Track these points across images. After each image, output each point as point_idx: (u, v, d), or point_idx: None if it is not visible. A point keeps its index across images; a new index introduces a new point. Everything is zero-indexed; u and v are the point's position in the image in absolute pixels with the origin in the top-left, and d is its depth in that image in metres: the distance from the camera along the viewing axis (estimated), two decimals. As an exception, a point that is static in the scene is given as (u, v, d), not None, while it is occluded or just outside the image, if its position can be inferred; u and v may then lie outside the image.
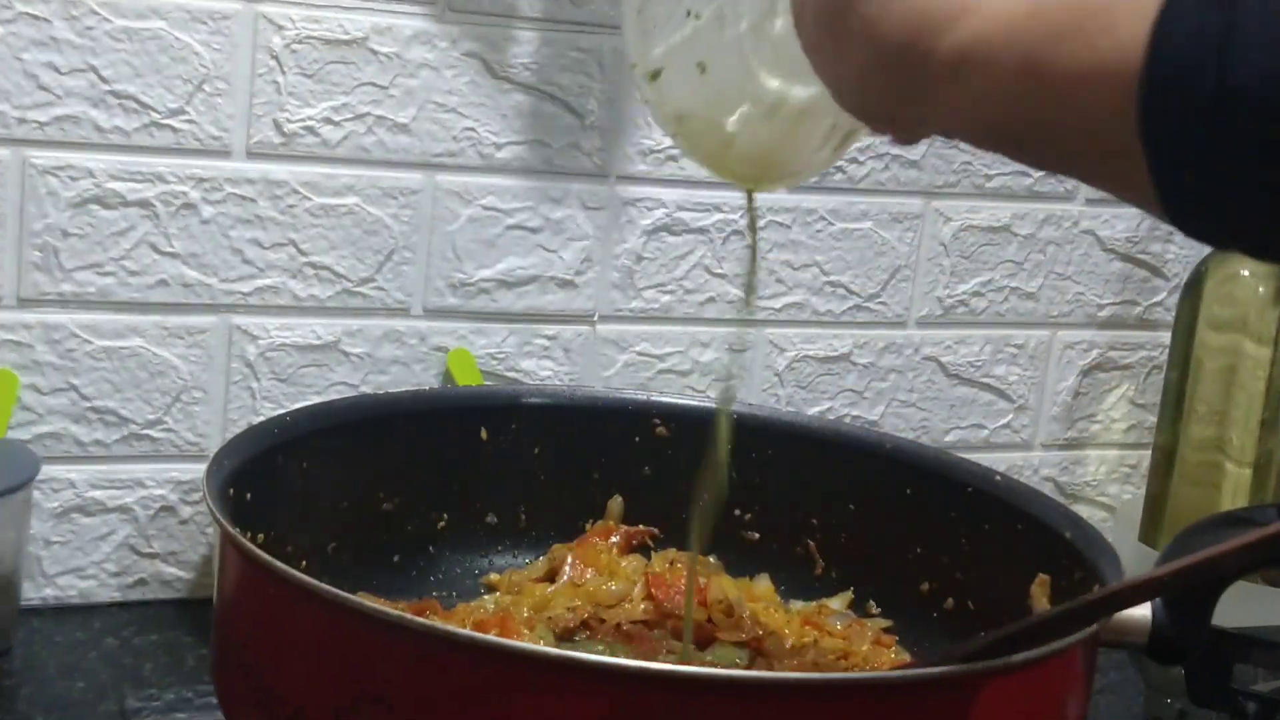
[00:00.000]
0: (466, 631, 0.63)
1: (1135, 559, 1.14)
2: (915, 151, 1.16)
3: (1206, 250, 1.16)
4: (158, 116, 0.97)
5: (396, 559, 0.93)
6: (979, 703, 0.64)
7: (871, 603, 0.93)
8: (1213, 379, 1.16)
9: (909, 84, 0.58)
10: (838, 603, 0.94)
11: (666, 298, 1.12)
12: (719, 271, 1.13)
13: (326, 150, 1.01)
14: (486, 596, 0.93)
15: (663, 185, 1.10)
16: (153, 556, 1.03)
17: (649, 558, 0.96)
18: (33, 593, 1.00)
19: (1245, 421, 1.15)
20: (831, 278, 1.16)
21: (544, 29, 1.05)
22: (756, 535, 0.97)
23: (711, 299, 1.13)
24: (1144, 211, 0.54)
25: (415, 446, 0.93)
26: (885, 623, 0.92)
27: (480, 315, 1.08)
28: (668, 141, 1.09)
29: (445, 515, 0.95)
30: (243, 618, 0.71)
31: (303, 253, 1.02)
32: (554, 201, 1.08)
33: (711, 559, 0.96)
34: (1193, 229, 0.51)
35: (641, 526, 0.97)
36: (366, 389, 1.05)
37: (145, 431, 1.01)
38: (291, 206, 1.01)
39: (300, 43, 0.99)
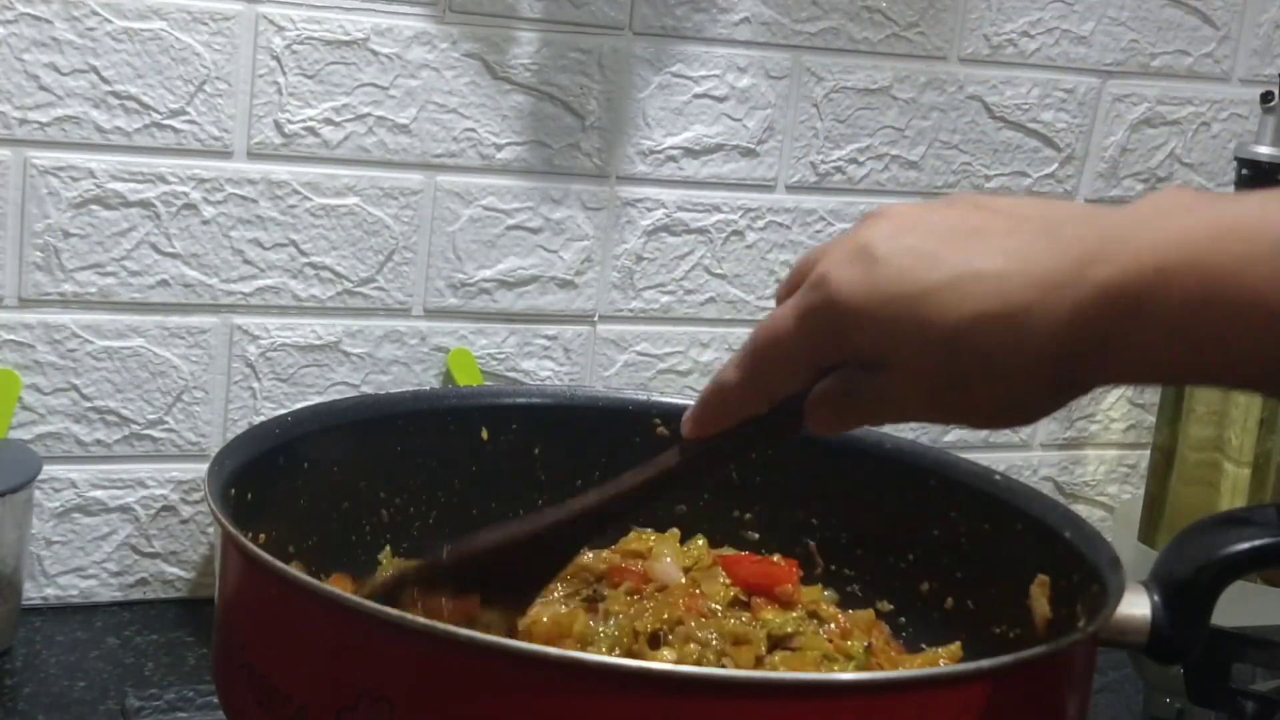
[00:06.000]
0: (467, 631, 0.62)
1: (1134, 559, 1.14)
2: (915, 152, 1.17)
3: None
4: (159, 117, 0.97)
5: (397, 559, 0.93)
6: (979, 703, 0.64)
7: (879, 601, 0.93)
8: (1212, 379, 1.16)
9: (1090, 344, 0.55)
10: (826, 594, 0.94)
11: (666, 298, 1.12)
12: (719, 271, 1.13)
13: (327, 151, 1.01)
14: None
15: (663, 185, 1.10)
16: (154, 556, 1.03)
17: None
18: (34, 592, 1.01)
19: (1244, 421, 1.16)
20: (831, 278, 1.16)
21: (544, 30, 1.05)
22: (756, 535, 0.97)
23: (711, 299, 1.13)
24: None
25: (415, 446, 0.93)
26: (868, 611, 0.92)
27: (480, 315, 1.08)
28: (668, 141, 1.10)
29: (445, 515, 0.95)
30: (244, 617, 0.71)
31: (303, 253, 1.02)
32: (554, 202, 1.08)
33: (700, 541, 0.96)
34: None
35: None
36: (367, 389, 1.05)
37: (146, 431, 1.01)
38: (292, 207, 1.01)
39: (301, 43, 0.99)
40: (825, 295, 0.60)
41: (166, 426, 1.02)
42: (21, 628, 0.97)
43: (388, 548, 0.91)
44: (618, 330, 1.12)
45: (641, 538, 0.95)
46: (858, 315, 0.59)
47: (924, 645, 0.89)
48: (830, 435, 0.65)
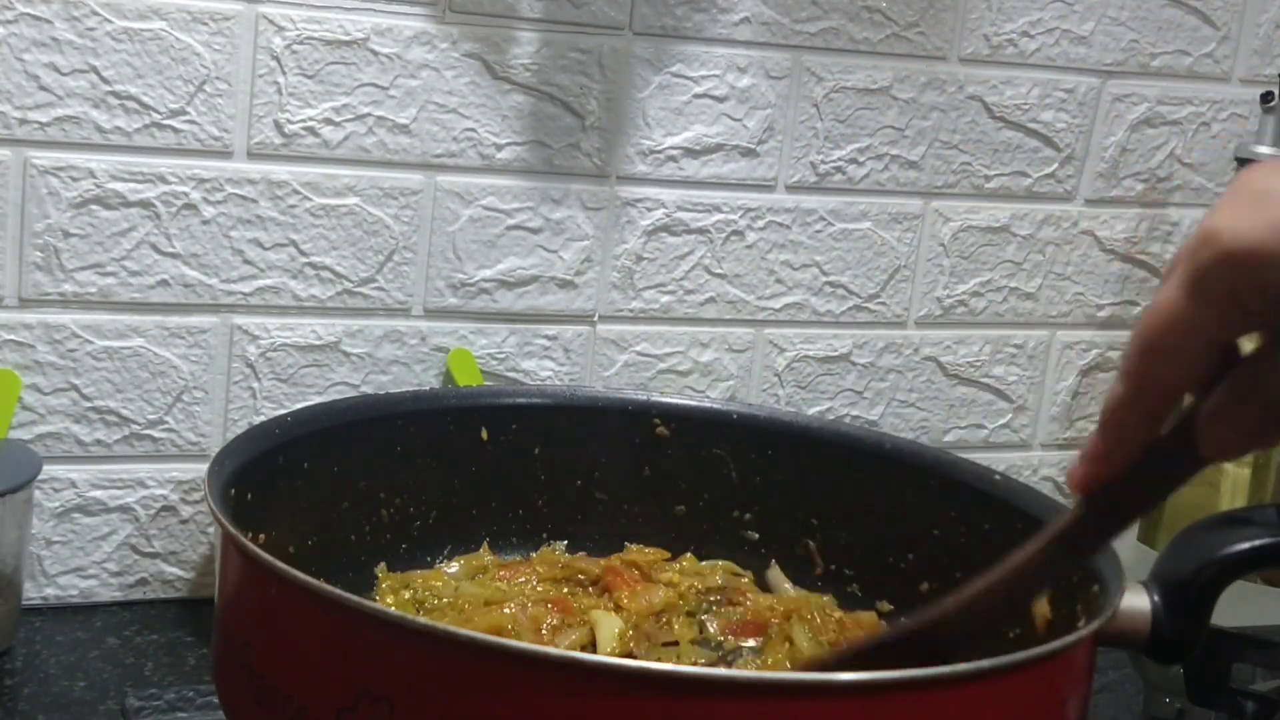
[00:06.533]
0: (467, 631, 0.62)
1: (1135, 559, 1.14)
2: (915, 152, 1.17)
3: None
4: (159, 117, 0.97)
5: (397, 559, 0.93)
6: (979, 703, 0.64)
7: (879, 601, 0.93)
8: (1212, 379, 1.16)
9: None
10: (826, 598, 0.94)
11: (666, 298, 1.12)
12: (719, 271, 1.13)
13: (327, 151, 1.01)
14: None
15: (663, 185, 1.10)
16: (154, 556, 1.03)
17: None
18: (34, 592, 1.01)
19: (1244, 421, 1.15)
20: (831, 278, 1.16)
21: (544, 30, 1.05)
22: (756, 535, 0.97)
23: (711, 299, 1.13)
24: None
25: (415, 446, 0.93)
26: (870, 614, 0.92)
27: (480, 315, 1.08)
28: (668, 141, 1.10)
29: (445, 515, 0.95)
30: (244, 618, 0.71)
31: (303, 253, 1.02)
32: (554, 202, 1.08)
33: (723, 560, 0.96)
34: None
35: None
36: (367, 389, 1.05)
37: (146, 431, 1.01)
38: (292, 207, 1.01)
39: (301, 43, 0.99)
40: (1220, 249, 0.52)
41: (166, 426, 1.02)
42: (21, 628, 0.97)
43: (383, 563, 0.91)
44: (618, 330, 1.12)
45: (643, 552, 0.95)
46: (1266, 260, 0.51)
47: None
48: (1230, 457, 0.58)
